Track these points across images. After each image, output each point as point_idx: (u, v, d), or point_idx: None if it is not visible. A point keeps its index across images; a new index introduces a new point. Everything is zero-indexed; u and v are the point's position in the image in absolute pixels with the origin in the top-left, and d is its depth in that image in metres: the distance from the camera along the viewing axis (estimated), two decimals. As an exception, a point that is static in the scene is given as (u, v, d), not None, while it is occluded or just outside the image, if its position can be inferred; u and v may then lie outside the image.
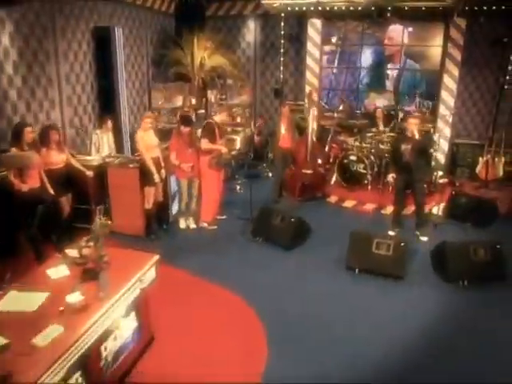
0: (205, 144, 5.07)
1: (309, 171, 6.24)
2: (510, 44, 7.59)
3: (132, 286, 2.88)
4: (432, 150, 6.90)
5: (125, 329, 2.91)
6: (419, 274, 4.48)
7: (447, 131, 8.34)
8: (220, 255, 4.78)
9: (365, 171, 6.57)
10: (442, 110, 8.25)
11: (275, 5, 7.49)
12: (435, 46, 8.23)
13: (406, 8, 7.00)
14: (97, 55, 6.49)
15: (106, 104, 6.65)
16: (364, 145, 6.72)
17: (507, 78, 7.77)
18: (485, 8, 6.96)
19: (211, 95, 8.93)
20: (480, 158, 7.62)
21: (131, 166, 5.12)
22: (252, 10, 8.77)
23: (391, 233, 5.36)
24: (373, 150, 6.67)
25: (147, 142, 4.92)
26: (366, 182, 6.60)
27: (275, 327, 3.49)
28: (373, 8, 6.90)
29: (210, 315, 3.70)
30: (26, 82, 5.29)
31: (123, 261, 3.11)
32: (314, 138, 6.36)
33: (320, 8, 7.46)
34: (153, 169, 4.86)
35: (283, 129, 6.24)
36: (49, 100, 5.68)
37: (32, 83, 5.37)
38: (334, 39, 8.67)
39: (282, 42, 8.44)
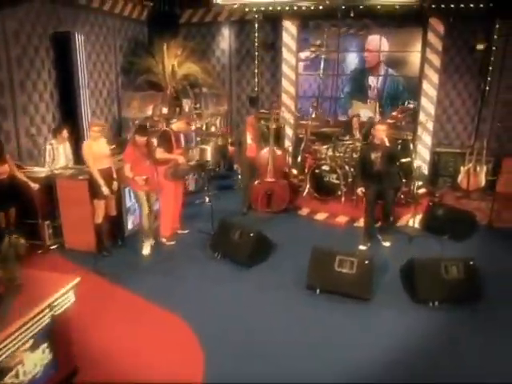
0: (160, 153, 4.78)
1: (271, 180, 5.94)
2: (489, 48, 7.40)
3: (40, 313, 2.55)
4: (409, 159, 6.65)
5: (31, 364, 2.57)
6: (388, 293, 4.12)
7: (428, 139, 8.10)
8: (171, 274, 4.46)
9: (338, 182, 6.27)
10: (422, 117, 8.02)
11: (235, 6, 7.27)
12: (414, 52, 8.04)
13: (379, 7, 6.76)
14: (57, 62, 6.23)
15: (67, 113, 6.37)
16: (337, 154, 6.44)
17: (488, 83, 7.57)
18: (462, 6, 6.71)
19: (186, 104, 8.67)
20: (461, 168, 7.37)
21: (81, 177, 4.82)
22: (226, 17, 8.57)
23: (362, 247, 5.11)
24: (346, 160, 6.39)
25: (96, 151, 4.62)
26: (339, 193, 6.30)
27: (215, 357, 3.15)
28: (343, 7, 6.65)
29: (149, 341, 3.36)
30: (-28, 90, 5.02)
31: (38, 284, 2.79)
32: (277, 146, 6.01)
33: (279, 8, 7.19)
34: (100, 181, 4.56)
35: (249, 138, 5.98)
36: (0, 109, 5.40)
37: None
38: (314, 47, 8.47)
39: (256, 48, 8.22)
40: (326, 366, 3.09)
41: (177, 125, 5.02)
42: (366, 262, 4.01)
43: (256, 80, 8.42)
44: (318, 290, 4.04)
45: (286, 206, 6.07)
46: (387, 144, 4.85)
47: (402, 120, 7.21)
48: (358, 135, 6.87)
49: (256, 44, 8.18)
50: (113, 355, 3.18)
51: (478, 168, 7.23)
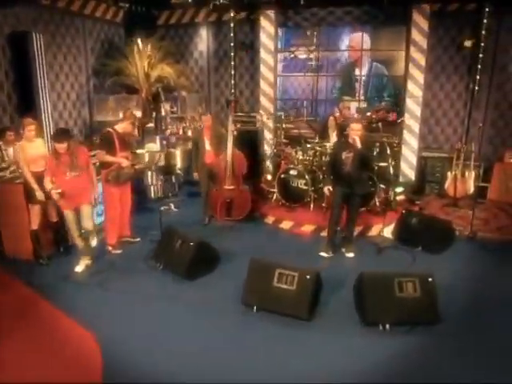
0: (100, 156, 4.51)
1: (230, 187, 5.59)
2: (478, 45, 6.96)
3: None
4: (386, 164, 6.25)
5: None
6: (337, 314, 3.67)
7: (414, 143, 7.67)
8: (105, 287, 4.14)
9: (306, 187, 5.89)
10: (407, 119, 7.59)
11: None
12: (399, 51, 7.65)
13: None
14: (14, 63, 6.08)
15: (26, 115, 6.18)
16: (306, 157, 6.06)
17: (477, 83, 7.11)
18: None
19: (163, 108, 8.45)
20: (448, 173, 6.90)
21: (17, 181, 4.58)
22: (204, 17, 8.35)
23: (324, 254, 4.76)
24: (315, 164, 6.00)
25: (30, 153, 4.38)
26: (307, 199, 5.91)
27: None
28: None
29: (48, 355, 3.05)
30: None
31: None
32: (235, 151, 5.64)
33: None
34: (34, 185, 4.30)
35: (207, 143, 5.65)
36: None
37: None
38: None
39: (232, 49, 7.96)
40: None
41: (121, 126, 4.74)
42: (308, 277, 3.57)
43: (232, 82, 8.15)
44: (254, 308, 3.64)
45: (249, 214, 5.72)
46: (358, 146, 4.45)
47: (377, 121, 6.76)
48: (333, 137, 6.46)
49: (232, 44, 7.92)
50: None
51: (467, 174, 6.76)
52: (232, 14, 7.73)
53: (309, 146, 6.09)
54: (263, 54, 8.01)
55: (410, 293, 3.44)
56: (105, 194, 4.76)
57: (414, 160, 7.72)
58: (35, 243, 4.56)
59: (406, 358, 3.10)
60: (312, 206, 5.94)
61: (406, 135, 7.67)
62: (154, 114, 8.27)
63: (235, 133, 5.74)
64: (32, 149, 4.41)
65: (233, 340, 3.31)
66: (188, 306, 3.80)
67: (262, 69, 8.09)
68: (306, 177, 5.83)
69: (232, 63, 8.05)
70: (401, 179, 7.74)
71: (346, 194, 4.68)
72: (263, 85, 8.17)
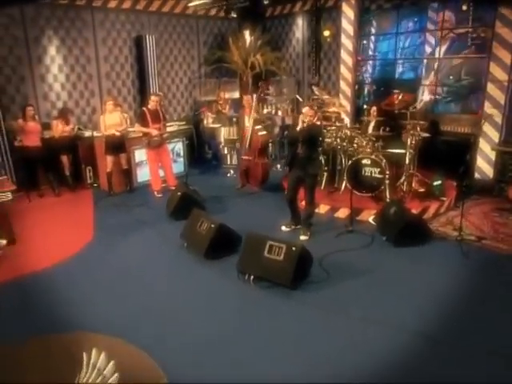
0: (137, 127, 6.82)
1: (246, 158, 7.01)
2: None
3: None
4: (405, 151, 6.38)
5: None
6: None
7: (495, 135, 7.11)
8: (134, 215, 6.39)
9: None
10: (487, 107, 7.08)
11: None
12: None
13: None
14: (137, 59, 9.02)
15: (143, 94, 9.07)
16: (327, 139, 6.82)
17: None
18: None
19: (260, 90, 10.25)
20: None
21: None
22: (300, 6, 9.60)
23: (284, 228, 5.67)
24: (332, 146, 6.73)
25: (108, 121, 7.01)
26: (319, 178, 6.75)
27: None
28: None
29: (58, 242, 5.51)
30: (69, 80, 8.23)
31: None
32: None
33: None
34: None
35: (246, 119, 7.18)
36: (89, 91, 8.53)
37: (74, 79, 8.29)
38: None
39: (318, 35, 8.99)
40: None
41: (152, 104, 6.82)
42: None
43: (314, 67, 9.20)
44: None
45: (262, 184, 7.06)
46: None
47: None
48: (371, 126, 6.95)
49: (316, 32, 8.99)
50: (38, 238, 5.51)
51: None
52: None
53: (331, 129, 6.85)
54: (343, 39, 8.74)
55: (275, 256, 4.23)
56: (146, 155, 7.07)
57: (493, 155, 7.17)
58: (109, 181, 7.26)
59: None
60: (323, 187, 6.75)
61: (486, 126, 7.17)
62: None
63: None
64: (110, 118, 7.04)
65: (233, 303, 4.11)
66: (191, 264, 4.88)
67: (342, 54, 8.84)
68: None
69: (313, 53, 9.10)
70: (476, 176, 7.37)
71: (299, 174, 5.25)
72: (343, 69, 8.91)
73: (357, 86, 9.04)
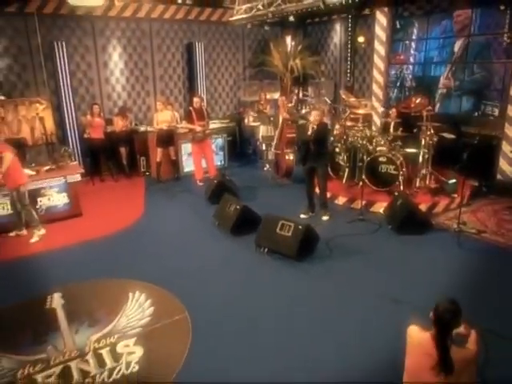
0: (184, 124, 8.03)
1: (276, 151, 8.06)
2: None
3: (59, 178, 6.50)
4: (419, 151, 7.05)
5: (57, 198, 6.55)
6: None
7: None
8: (174, 201, 7.64)
9: (343, 164, 7.61)
10: (510, 110, 7.56)
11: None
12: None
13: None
14: (187, 62, 10.31)
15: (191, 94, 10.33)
16: (349, 139, 7.65)
17: None
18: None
19: (301, 92, 11.22)
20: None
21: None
22: (338, 13, 10.39)
23: (302, 216, 6.63)
24: (352, 145, 7.54)
25: (159, 118, 8.30)
26: (341, 173, 7.63)
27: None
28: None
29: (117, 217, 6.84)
30: (128, 82, 9.66)
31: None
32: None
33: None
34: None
35: (280, 118, 8.19)
36: (145, 91, 9.92)
37: (133, 81, 9.70)
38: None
39: (352, 41, 9.78)
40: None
41: (196, 103, 7.99)
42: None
43: (349, 70, 9.98)
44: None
45: (285, 175, 8.14)
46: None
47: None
48: (392, 127, 7.69)
49: (349, 37, 9.77)
50: (100, 213, 6.88)
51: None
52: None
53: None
54: (376, 45, 9.46)
55: (285, 232, 5.25)
56: (191, 148, 8.28)
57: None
58: (158, 170, 8.56)
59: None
60: (345, 180, 7.59)
61: (508, 129, 7.65)
62: (292, 96, 11.15)
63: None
64: (161, 116, 8.34)
65: (248, 267, 5.17)
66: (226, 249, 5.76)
67: (375, 58, 9.55)
68: (343, 154, 7.54)
69: (348, 57, 9.90)
70: (498, 177, 7.86)
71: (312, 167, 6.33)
72: (375, 73, 9.64)
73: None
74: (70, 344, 3.77)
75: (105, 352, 3.65)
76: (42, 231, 6.04)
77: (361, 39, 9.73)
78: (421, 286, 4.54)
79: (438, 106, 8.81)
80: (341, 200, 7.21)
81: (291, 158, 8.04)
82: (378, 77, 9.62)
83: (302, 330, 3.91)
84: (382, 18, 9.28)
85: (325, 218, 6.49)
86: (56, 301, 4.41)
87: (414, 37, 9.08)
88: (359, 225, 6.29)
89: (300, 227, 5.20)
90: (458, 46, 8.36)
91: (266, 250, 5.38)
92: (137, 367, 3.47)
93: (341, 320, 4.03)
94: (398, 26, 9.31)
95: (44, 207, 6.51)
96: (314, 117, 6.22)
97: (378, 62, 9.54)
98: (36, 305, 4.38)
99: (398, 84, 9.58)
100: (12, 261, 5.39)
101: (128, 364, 3.51)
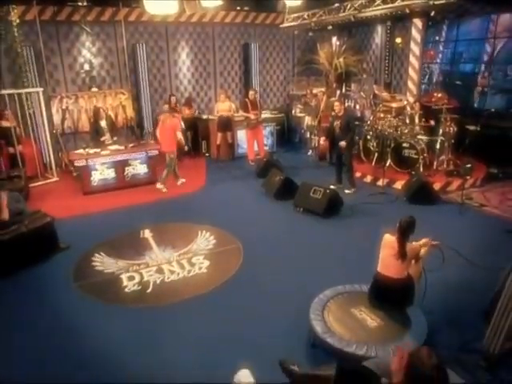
0: (241, 113, 9.87)
1: (316, 138, 9.68)
2: None
3: (142, 150, 8.58)
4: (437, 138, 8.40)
5: (139, 168, 8.63)
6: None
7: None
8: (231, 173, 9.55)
9: (373, 149, 9.13)
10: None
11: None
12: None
13: None
14: (244, 61, 12.16)
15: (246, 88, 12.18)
16: (379, 127, 9.13)
17: None
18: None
19: (348, 87, 12.77)
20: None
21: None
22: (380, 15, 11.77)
23: (332, 186, 8.23)
24: (382, 132, 9.02)
25: (220, 107, 10.21)
26: (372, 157, 9.16)
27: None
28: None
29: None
30: (193, 77, 11.66)
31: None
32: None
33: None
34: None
35: (321, 110, 9.85)
36: (207, 85, 11.90)
37: (197, 77, 11.71)
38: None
39: (392, 42, 11.18)
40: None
41: (251, 95, 9.76)
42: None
43: (387, 68, 11.39)
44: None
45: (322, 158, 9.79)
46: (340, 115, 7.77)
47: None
48: (416, 119, 9.10)
49: (388, 38, 11.18)
50: (171, 182, 8.88)
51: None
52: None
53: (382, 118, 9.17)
54: (412, 46, 10.80)
55: (316, 195, 7.01)
56: (245, 134, 10.11)
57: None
58: (218, 151, 10.48)
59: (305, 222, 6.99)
60: (374, 163, 9.11)
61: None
62: (337, 92, 12.70)
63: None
64: (221, 106, 10.24)
65: (286, 221, 7.03)
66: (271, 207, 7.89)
67: (411, 58, 10.90)
68: (373, 141, 9.06)
69: (387, 56, 11.31)
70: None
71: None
72: (410, 71, 10.98)
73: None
74: (160, 257, 5.71)
75: (184, 261, 5.56)
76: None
77: (398, 40, 11.10)
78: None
79: (476, 102, 10.04)
80: (368, 178, 8.76)
81: (325, 144, 9.68)
82: (412, 74, 10.95)
83: (324, 263, 5.55)
84: (418, 22, 10.60)
85: (347, 191, 7.99)
86: (146, 233, 6.40)
87: (442, 39, 10.38)
88: (379, 197, 7.81)
89: (328, 191, 6.93)
90: (498, 46, 9.57)
91: (302, 209, 7.12)
92: (206, 271, 5.33)
93: (353, 258, 5.60)
94: (433, 28, 10.62)
95: (130, 174, 8.60)
96: (336, 107, 7.83)
97: (413, 61, 10.87)
98: (135, 235, 6.39)
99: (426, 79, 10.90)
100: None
101: (200, 268, 5.38)
